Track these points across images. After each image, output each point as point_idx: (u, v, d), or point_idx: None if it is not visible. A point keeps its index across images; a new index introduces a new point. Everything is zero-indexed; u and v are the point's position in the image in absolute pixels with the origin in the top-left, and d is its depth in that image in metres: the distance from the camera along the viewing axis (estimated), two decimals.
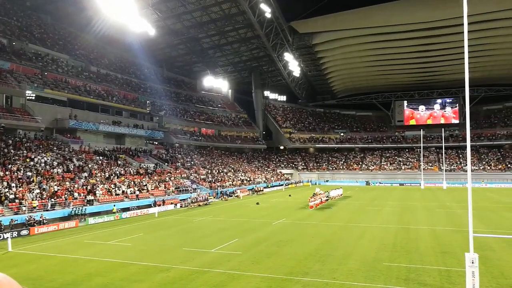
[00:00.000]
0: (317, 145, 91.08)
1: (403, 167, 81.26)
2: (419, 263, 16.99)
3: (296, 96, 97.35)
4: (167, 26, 62.42)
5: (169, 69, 78.64)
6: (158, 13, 56.47)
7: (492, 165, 75.58)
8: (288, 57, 72.71)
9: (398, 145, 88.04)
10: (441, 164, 76.77)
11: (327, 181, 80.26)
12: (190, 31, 65.78)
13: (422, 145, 75.18)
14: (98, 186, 36.84)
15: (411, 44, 71.53)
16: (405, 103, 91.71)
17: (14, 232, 25.27)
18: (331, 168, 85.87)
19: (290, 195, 53.24)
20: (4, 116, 37.91)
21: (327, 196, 43.33)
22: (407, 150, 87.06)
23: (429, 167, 78.50)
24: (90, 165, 41.04)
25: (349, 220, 30.29)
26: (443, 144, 73.22)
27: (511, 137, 78.72)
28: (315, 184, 76.07)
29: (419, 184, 68.89)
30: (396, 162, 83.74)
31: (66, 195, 32.83)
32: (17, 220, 27.07)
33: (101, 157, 45.20)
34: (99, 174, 39.93)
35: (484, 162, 76.73)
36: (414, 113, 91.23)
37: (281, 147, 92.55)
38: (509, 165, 74.48)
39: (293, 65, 75.79)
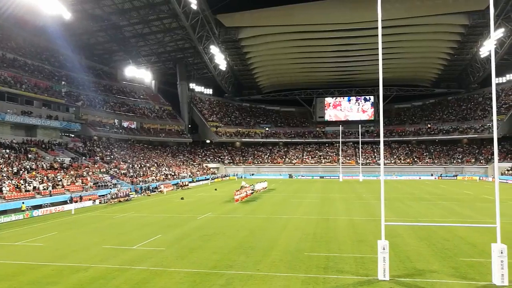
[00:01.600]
0: (243, 139, 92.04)
1: (323, 161, 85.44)
2: (337, 251, 17.97)
3: (223, 89, 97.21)
4: (85, 11, 58.36)
5: (88, 57, 73.66)
6: None
7: (402, 159, 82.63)
8: (214, 50, 72.23)
9: (319, 140, 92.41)
10: (358, 158, 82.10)
11: (252, 174, 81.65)
12: (111, 17, 62.27)
13: (341, 140, 79.70)
14: (5, 182, 33.48)
15: (331, 44, 75.34)
16: (326, 99, 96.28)
17: None
18: (256, 162, 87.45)
19: (216, 189, 53.19)
20: None
21: (252, 189, 44.01)
22: (327, 144, 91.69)
23: (347, 161, 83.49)
24: None
25: (273, 212, 31.08)
26: (360, 139, 78.39)
27: (418, 134, 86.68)
28: (241, 177, 76.99)
29: (338, 177, 72.95)
30: (317, 156, 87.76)
31: None
32: None
33: (7, 150, 41.12)
34: (5, 169, 36.31)
35: (395, 156, 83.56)
36: (334, 109, 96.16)
37: (208, 141, 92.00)
38: (415, 159, 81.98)
39: (220, 58, 75.47)
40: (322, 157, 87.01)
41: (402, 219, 26.32)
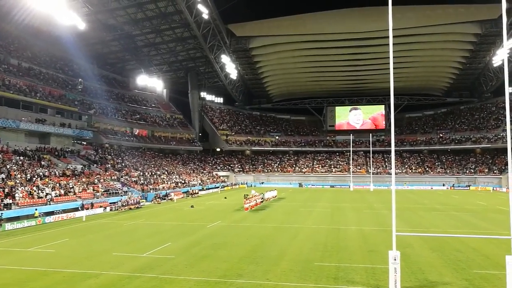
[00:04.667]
0: (253, 148, 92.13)
1: (333, 170, 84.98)
2: (347, 262, 17.80)
3: (233, 98, 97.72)
4: (98, 21, 59.40)
5: (101, 66, 74.82)
6: (88, 6, 53.56)
7: (413, 168, 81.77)
8: (225, 59, 72.80)
9: (329, 148, 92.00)
10: (368, 167, 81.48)
11: (262, 183, 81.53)
12: (124, 27, 63.26)
13: (351, 149, 79.28)
14: (18, 189, 33.96)
15: (342, 53, 75.38)
16: (337, 108, 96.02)
17: None
18: (266, 171, 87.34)
19: (225, 198, 53.19)
20: None
21: (262, 198, 43.93)
22: (337, 153, 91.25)
23: (357, 170, 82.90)
24: (8, 166, 37.71)
25: (283, 221, 30.95)
26: (371, 149, 77.86)
27: (429, 143, 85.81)
28: (251, 186, 76.91)
29: (348, 186, 72.43)
30: (327, 165, 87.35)
31: None
32: None
33: (21, 157, 41.75)
34: (19, 176, 36.84)
35: (406, 166, 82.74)
36: (345, 119, 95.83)
37: (218, 149, 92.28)
38: (427, 169, 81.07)
39: (230, 67, 76.03)
40: (332, 166, 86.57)
41: (413, 230, 26.00)
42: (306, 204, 45.05)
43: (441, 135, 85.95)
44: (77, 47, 61.35)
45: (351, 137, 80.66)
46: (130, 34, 66.64)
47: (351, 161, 79.84)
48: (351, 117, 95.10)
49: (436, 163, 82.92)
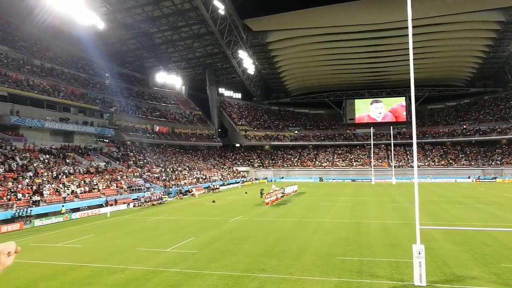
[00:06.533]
0: (272, 143, 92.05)
1: (354, 164, 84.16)
2: (370, 256, 17.65)
3: (251, 93, 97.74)
4: (117, 20, 60.22)
5: (120, 64, 75.94)
6: (107, 5, 54.37)
7: (436, 161, 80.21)
8: (243, 54, 72.77)
9: (350, 142, 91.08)
10: (390, 161, 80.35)
11: (282, 177, 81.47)
12: (142, 25, 63.95)
13: (372, 142, 78.29)
14: (45, 186, 34.93)
15: (360, 45, 74.23)
16: (357, 101, 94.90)
17: None
18: (286, 165, 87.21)
19: (246, 193, 53.42)
20: None
21: (283, 193, 43.92)
22: (358, 147, 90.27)
23: (379, 164, 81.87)
24: (35, 164, 38.81)
25: (304, 215, 30.89)
26: (392, 141, 76.70)
27: (452, 135, 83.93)
28: (271, 181, 76.96)
29: (370, 180, 71.63)
30: (348, 159, 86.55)
31: (8, 196, 30.82)
32: None
33: (47, 156, 42.88)
34: (45, 174, 37.87)
35: (429, 159, 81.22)
36: (365, 111, 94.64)
37: (237, 145, 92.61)
38: (450, 161, 79.41)
39: (248, 62, 75.96)
40: (353, 160, 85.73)
41: (437, 223, 25.55)
42: (327, 198, 44.81)
43: (464, 127, 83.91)
44: (96, 46, 62.41)
45: (372, 130, 79.58)
46: (148, 32, 67.31)
47: (372, 155, 78.87)
48: (372, 110, 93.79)
49: (460, 155, 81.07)
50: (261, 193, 42.60)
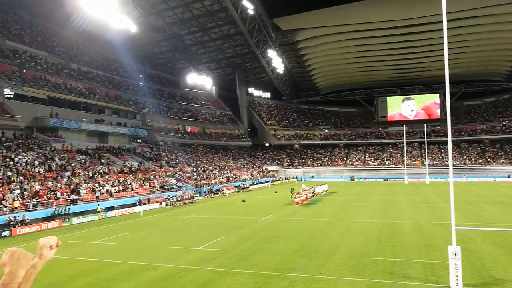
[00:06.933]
0: (302, 142, 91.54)
1: (386, 163, 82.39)
2: (403, 256, 17.25)
3: (281, 93, 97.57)
4: (148, 23, 61.64)
5: (152, 66, 77.77)
6: (139, 9, 55.72)
7: (473, 159, 77.28)
8: (272, 53, 72.77)
9: (382, 140, 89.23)
10: (424, 159, 78.12)
11: (312, 177, 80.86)
12: (172, 27, 65.17)
13: (405, 140, 76.35)
14: (82, 185, 36.25)
15: (392, 41, 72.50)
16: (389, 98, 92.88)
17: None
18: (316, 164, 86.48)
19: (276, 192, 53.39)
20: None
21: (313, 192, 43.60)
22: (390, 145, 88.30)
23: (412, 162, 79.77)
24: (73, 164, 40.34)
25: (335, 215, 30.56)
26: (426, 140, 74.52)
27: (490, 132, 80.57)
28: (301, 180, 76.58)
29: (403, 179, 69.93)
30: (380, 158, 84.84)
31: (48, 195, 32.20)
32: None
33: (84, 156, 44.47)
34: (82, 173, 39.29)
35: (465, 157, 78.37)
36: (397, 109, 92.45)
37: (267, 144, 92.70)
38: (488, 159, 76.29)
39: (277, 61, 75.91)
40: (385, 159, 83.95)
41: (475, 224, 24.63)
42: (358, 198, 44.11)
43: (504, 123, 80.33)
44: (129, 49, 64.24)
45: (405, 128, 77.60)
46: (179, 34, 68.51)
47: (405, 153, 76.93)
48: (404, 107, 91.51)
49: (499, 153, 77.70)
50: (292, 192, 42.44)
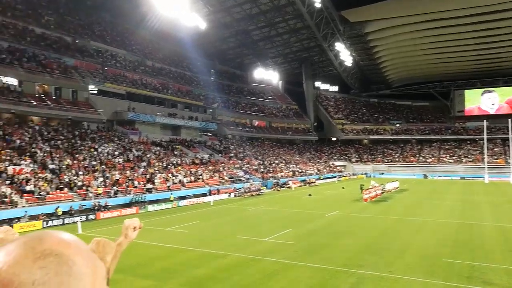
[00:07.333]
0: (371, 137, 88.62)
1: (464, 160, 76.96)
2: (483, 261, 16.10)
3: (349, 86, 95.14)
4: (217, 20, 63.30)
5: (221, 62, 79.92)
6: (208, 7, 57.48)
7: None
8: (340, 46, 71.21)
9: (459, 136, 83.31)
10: (508, 157, 71.74)
11: (382, 173, 78.00)
12: (240, 23, 66.32)
13: (486, 136, 70.59)
14: (157, 175, 38.52)
15: (470, 30, 66.98)
16: (466, 92, 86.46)
17: (83, 216, 27.33)
18: (386, 161, 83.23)
19: (343, 187, 52.39)
20: (71, 109, 40.66)
21: (383, 189, 42.11)
22: (468, 142, 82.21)
23: (494, 160, 73.61)
24: (148, 155, 42.99)
25: (406, 213, 29.30)
26: (511, 136, 68.29)
27: None
28: (370, 176, 74.23)
29: (482, 178, 64.89)
30: (456, 155, 79.44)
31: (127, 183, 34.68)
32: (85, 205, 29.13)
33: (158, 148, 47.15)
34: (157, 164, 41.72)
35: None
36: (476, 103, 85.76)
37: (333, 139, 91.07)
38: None
39: (345, 54, 74.14)
40: (462, 156, 78.38)
41: None
42: (432, 196, 41.78)
43: None
44: (199, 46, 66.52)
45: (485, 123, 71.70)
46: (246, 30, 69.57)
47: (485, 150, 71.14)
48: (484, 101, 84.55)
49: None
50: (361, 189, 41.31)
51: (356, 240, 20.03)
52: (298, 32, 72.06)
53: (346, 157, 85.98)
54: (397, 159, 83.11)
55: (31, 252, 0.69)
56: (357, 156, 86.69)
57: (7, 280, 0.65)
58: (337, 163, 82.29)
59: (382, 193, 41.14)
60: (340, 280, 13.77)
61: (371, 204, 35.21)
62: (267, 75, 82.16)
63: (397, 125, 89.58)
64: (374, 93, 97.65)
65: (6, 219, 24.36)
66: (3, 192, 26.02)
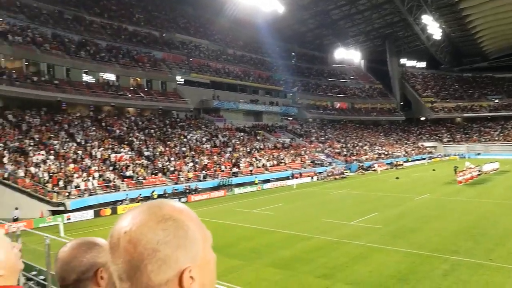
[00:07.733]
0: (465, 115, 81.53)
1: None
2: None
3: (438, 61, 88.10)
4: (295, 3, 62.46)
5: (300, 44, 79.07)
6: None
7: None
8: (427, 19, 66.05)
9: None
10: None
11: (478, 154, 71.61)
12: (319, 4, 64.89)
13: None
14: (241, 160, 39.97)
15: None
16: None
17: (176, 199, 29.39)
18: (483, 140, 76.11)
19: (434, 170, 49.24)
20: (161, 100, 43.71)
21: (479, 171, 38.81)
22: None
23: None
24: (233, 141, 44.71)
25: (507, 197, 26.70)
26: None
27: None
28: (465, 157, 68.68)
29: None
30: None
31: (214, 168, 36.55)
32: (177, 189, 31.41)
33: (242, 134, 48.72)
34: (241, 149, 43.23)
35: None
36: None
37: (422, 118, 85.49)
38: None
39: (433, 27, 68.63)
40: None
41: None
42: None
43: None
44: (277, 30, 66.48)
45: None
46: (325, 10, 67.85)
47: None
48: None
49: None
50: (455, 170, 38.47)
51: (448, 224, 18.92)
52: (380, 8, 68.43)
53: (437, 137, 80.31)
54: (496, 138, 75.49)
55: (154, 216, 0.81)
56: (449, 136, 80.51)
57: (136, 239, 0.78)
58: (426, 144, 77.28)
59: (478, 175, 37.98)
60: (432, 266, 13.18)
61: (466, 186, 32.73)
62: (347, 55, 79.54)
63: (496, 101, 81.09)
64: (467, 66, 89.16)
65: (111, 201, 27.36)
66: (107, 177, 29.10)
